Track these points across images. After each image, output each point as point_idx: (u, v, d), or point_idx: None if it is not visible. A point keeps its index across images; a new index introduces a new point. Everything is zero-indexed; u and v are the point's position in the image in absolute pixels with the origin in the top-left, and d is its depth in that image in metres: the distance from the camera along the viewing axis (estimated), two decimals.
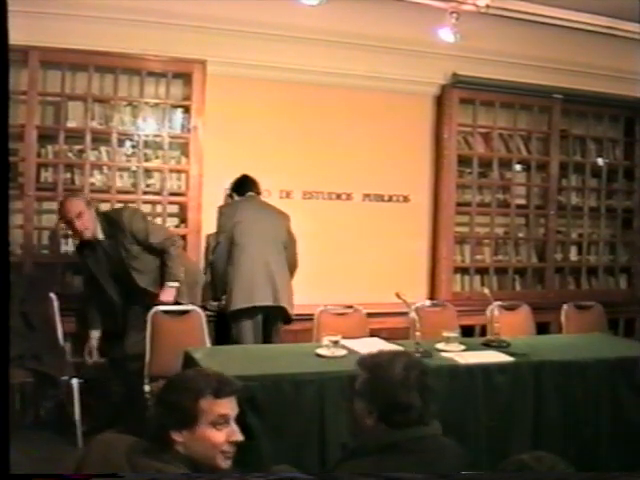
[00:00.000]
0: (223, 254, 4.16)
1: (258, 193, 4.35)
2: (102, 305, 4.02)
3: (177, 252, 4.06)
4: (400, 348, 3.37)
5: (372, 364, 1.94)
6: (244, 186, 4.32)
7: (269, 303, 4.12)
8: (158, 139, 4.57)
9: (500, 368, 3.21)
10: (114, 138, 4.43)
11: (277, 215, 4.31)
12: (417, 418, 1.85)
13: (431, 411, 1.89)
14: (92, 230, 3.87)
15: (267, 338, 4.18)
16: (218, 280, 4.25)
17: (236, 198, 4.36)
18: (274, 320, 4.22)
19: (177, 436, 1.65)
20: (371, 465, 1.78)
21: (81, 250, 3.99)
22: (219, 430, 1.71)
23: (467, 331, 4.62)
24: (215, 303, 4.41)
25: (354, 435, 1.96)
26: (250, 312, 4.10)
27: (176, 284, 4.02)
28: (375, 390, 1.88)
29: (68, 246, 4.45)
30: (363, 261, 4.99)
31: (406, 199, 5.25)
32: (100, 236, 3.91)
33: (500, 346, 3.53)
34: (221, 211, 4.26)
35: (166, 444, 1.64)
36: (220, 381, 1.75)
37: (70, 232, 4.07)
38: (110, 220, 3.96)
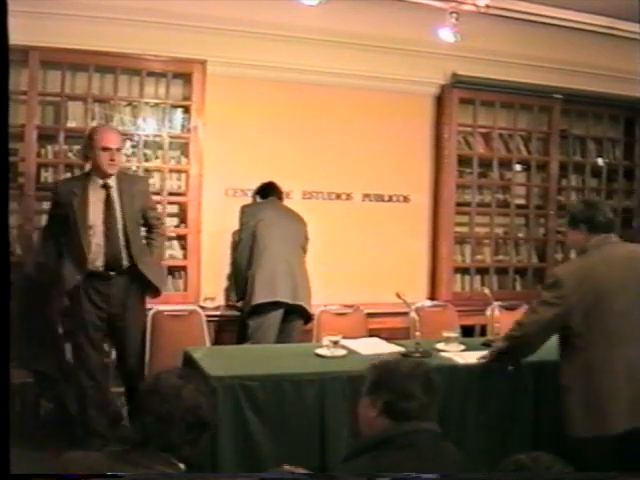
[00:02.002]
0: (246, 251, 4.24)
1: (280, 198, 4.47)
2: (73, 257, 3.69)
3: (163, 233, 4.06)
4: (401, 349, 3.39)
5: (381, 366, 2.04)
6: (267, 190, 4.45)
7: (289, 300, 4.16)
8: (158, 139, 4.57)
9: (500, 368, 3.21)
10: None
11: (297, 219, 4.42)
12: (417, 410, 1.90)
13: (432, 411, 1.94)
14: (116, 171, 3.74)
15: (286, 337, 4.20)
16: (240, 277, 4.29)
17: (258, 200, 4.47)
18: (293, 319, 4.25)
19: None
20: (369, 462, 1.81)
21: (73, 185, 3.75)
22: None
23: (467, 331, 4.62)
24: (240, 303, 4.42)
25: (356, 434, 2.01)
26: (271, 308, 4.14)
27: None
28: (381, 383, 1.96)
29: None
30: (363, 261, 5.00)
31: (406, 199, 5.25)
32: (112, 183, 3.74)
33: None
34: (243, 210, 4.32)
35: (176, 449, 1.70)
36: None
37: (94, 160, 3.70)
38: (130, 178, 3.95)
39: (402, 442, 1.84)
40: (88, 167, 3.84)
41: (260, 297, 4.11)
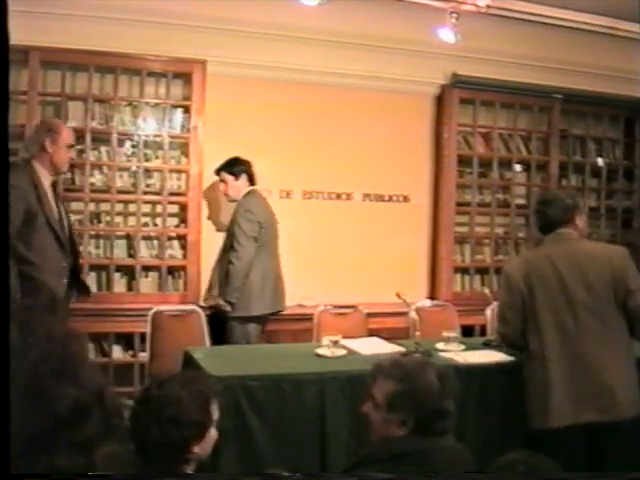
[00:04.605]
0: (253, 251, 4.10)
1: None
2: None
3: None
4: (400, 349, 3.39)
5: (403, 374, 1.90)
6: (251, 174, 4.31)
7: (280, 309, 4.23)
8: (158, 139, 4.57)
9: (500, 368, 3.22)
10: (114, 138, 4.43)
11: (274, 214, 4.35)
12: (444, 427, 1.84)
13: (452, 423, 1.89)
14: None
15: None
16: (244, 278, 4.07)
17: (251, 187, 4.30)
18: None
19: (197, 448, 1.71)
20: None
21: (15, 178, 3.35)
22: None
23: (467, 331, 4.62)
24: (225, 304, 4.08)
25: (369, 444, 1.94)
26: (264, 316, 4.18)
27: None
28: (414, 400, 1.84)
29: None
30: (363, 261, 5.00)
31: (406, 199, 5.26)
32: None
33: (500, 346, 3.53)
34: (251, 206, 4.19)
35: (185, 460, 1.69)
36: (213, 383, 1.82)
37: (55, 156, 3.49)
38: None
39: (419, 458, 1.77)
40: (23, 158, 3.51)
41: (265, 306, 4.13)
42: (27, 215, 3.29)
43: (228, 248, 4.15)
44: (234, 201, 4.30)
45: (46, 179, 3.49)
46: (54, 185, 3.59)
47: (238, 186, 4.26)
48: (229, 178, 4.28)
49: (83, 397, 0.71)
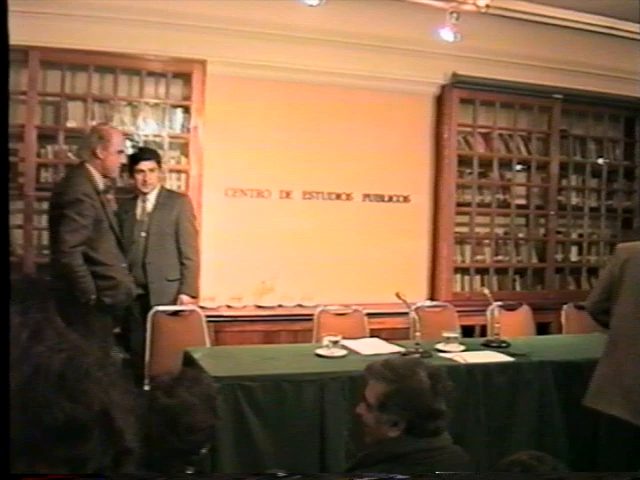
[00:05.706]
0: None
1: None
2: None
3: None
4: (400, 349, 3.39)
5: (394, 375, 1.89)
6: None
7: None
8: (158, 139, 4.56)
9: (500, 368, 3.21)
10: None
11: None
12: (437, 427, 1.82)
13: (446, 422, 1.87)
14: None
15: None
16: None
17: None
18: None
19: (204, 449, 1.76)
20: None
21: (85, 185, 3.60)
22: None
23: (467, 331, 4.62)
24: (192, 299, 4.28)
25: (365, 445, 1.94)
26: None
27: None
28: (405, 401, 1.83)
29: None
30: (363, 261, 4.99)
31: (406, 199, 5.25)
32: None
33: (500, 346, 3.54)
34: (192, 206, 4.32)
35: (192, 461, 1.72)
36: (212, 382, 1.86)
37: (108, 161, 3.69)
38: None
39: (416, 458, 1.78)
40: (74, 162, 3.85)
41: None
42: (95, 222, 3.52)
43: (161, 246, 4.09)
44: (146, 193, 4.12)
45: (100, 183, 3.67)
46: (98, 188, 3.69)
47: (159, 177, 4.21)
48: (158, 167, 4.14)
49: (80, 414, 0.68)
